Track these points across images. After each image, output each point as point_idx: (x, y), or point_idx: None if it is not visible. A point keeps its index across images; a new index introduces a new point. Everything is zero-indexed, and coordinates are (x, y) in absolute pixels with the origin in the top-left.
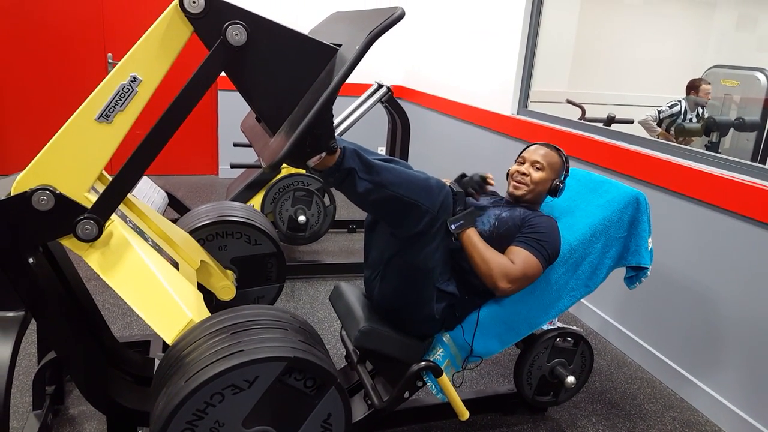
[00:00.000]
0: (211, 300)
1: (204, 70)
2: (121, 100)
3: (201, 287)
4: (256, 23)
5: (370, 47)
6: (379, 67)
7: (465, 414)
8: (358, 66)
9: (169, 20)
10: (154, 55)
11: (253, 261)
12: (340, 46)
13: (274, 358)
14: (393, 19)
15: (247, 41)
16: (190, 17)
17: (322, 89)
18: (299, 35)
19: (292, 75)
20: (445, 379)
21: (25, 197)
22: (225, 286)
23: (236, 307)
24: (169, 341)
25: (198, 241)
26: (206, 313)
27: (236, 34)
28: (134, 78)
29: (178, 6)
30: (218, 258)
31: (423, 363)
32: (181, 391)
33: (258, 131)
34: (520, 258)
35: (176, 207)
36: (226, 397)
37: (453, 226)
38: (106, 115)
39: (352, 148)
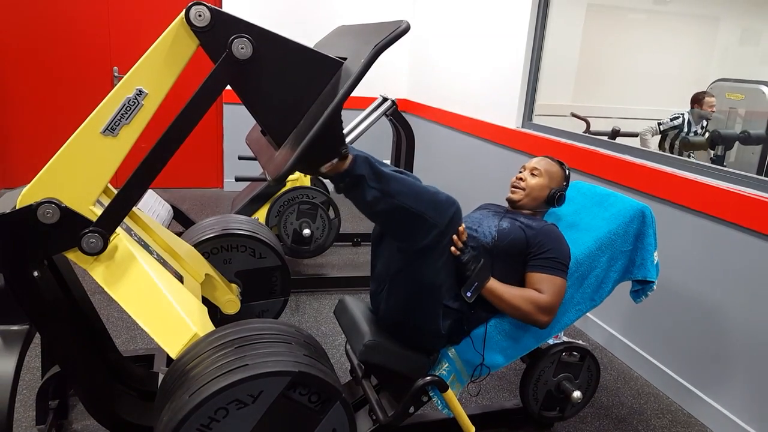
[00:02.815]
0: (215, 314)
1: (209, 84)
2: (126, 113)
3: (205, 301)
4: (261, 36)
5: (375, 60)
6: (384, 80)
7: (471, 429)
8: (363, 79)
9: (175, 33)
10: (159, 69)
11: (258, 274)
12: (345, 59)
13: (278, 372)
14: (398, 32)
15: (252, 54)
16: (196, 30)
17: (327, 102)
18: (305, 48)
19: (298, 88)
20: (450, 394)
21: (30, 210)
22: (229, 299)
23: (240, 321)
24: (173, 355)
25: (203, 254)
26: (210, 327)
27: (242, 48)
28: (140, 91)
29: (184, 19)
30: (223, 271)
31: (428, 378)
32: (185, 406)
33: (263, 144)
34: (544, 284)
35: (181, 220)
36: (230, 412)
37: (468, 294)
38: (111, 129)
39: (364, 156)
